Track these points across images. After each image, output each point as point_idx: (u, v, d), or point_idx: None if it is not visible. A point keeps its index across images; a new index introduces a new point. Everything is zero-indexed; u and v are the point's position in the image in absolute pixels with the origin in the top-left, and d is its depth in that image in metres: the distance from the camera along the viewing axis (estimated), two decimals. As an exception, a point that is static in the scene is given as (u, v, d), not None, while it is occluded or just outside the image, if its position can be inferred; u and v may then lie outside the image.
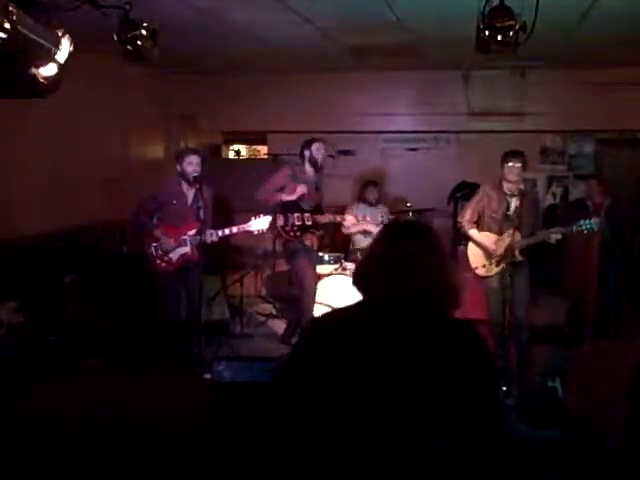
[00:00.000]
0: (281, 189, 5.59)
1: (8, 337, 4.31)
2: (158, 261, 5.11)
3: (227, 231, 5.08)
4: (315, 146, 5.60)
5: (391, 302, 1.72)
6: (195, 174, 5.00)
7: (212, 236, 5.04)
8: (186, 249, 5.09)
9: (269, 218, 5.23)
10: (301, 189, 5.54)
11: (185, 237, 5.07)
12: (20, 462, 1.58)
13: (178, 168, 5.11)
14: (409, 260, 1.74)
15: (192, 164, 5.01)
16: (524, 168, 4.91)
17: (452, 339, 1.69)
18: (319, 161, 5.65)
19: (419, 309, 1.72)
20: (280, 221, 5.64)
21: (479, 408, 1.64)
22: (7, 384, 3.10)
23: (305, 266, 5.66)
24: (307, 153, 5.62)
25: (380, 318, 1.71)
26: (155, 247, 5.12)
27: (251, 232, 5.19)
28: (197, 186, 5.01)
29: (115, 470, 1.56)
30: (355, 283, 1.86)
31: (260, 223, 5.16)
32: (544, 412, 3.53)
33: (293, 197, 5.55)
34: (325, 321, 1.84)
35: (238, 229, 5.14)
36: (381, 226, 5.90)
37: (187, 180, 5.06)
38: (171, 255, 5.10)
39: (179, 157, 5.13)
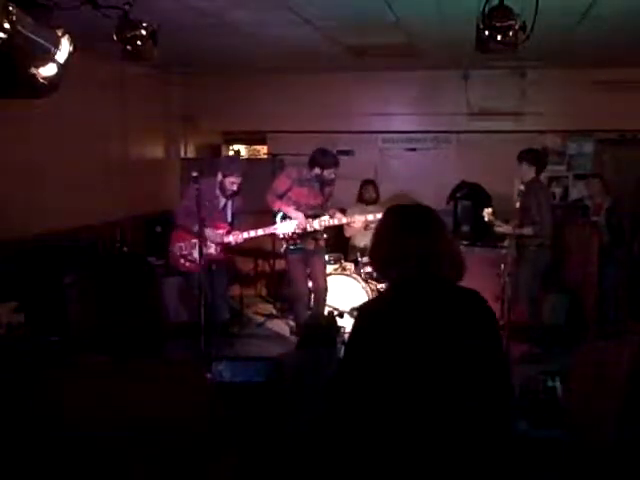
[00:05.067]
0: (287, 192, 5.58)
1: (8, 337, 4.31)
2: (182, 260, 5.20)
3: (252, 233, 5.27)
4: (327, 172, 5.50)
5: (419, 281, 1.92)
6: (233, 191, 5.22)
7: (237, 237, 5.25)
8: (211, 249, 5.21)
9: (295, 222, 5.39)
10: (301, 221, 5.51)
11: (217, 234, 5.23)
12: (21, 461, 1.58)
13: (219, 177, 5.22)
14: (426, 240, 1.94)
15: (234, 184, 5.20)
16: (521, 166, 5.54)
17: (473, 308, 1.92)
18: (327, 182, 5.60)
19: (442, 283, 1.93)
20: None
21: (495, 369, 1.87)
22: (7, 384, 3.10)
23: (298, 273, 5.68)
24: (317, 171, 5.52)
25: (414, 297, 1.91)
26: (180, 246, 5.20)
27: (276, 235, 5.34)
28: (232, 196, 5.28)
29: (115, 469, 1.56)
30: (378, 269, 2.08)
31: (286, 226, 5.30)
32: (544, 412, 3.53)
33: (292, 217, 5.52)
34: (370, 309, 2.02)
35: (264, 231, 5.32)
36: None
37: (223, 191, 5.25)
38: (196, 255, 5.17)
39: (225, 171, 5.22)
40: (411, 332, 1.84)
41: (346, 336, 5.29)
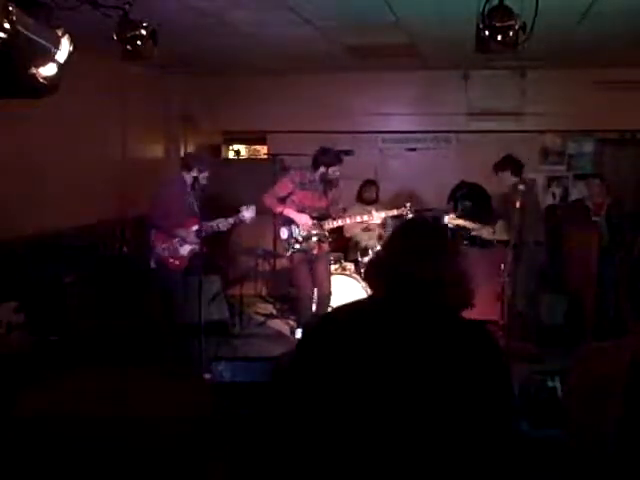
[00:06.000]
0: (289, 195, 5.59)
1: (8, 337, 4.31)
2: (171, 260, 5.25)
3: (222, 222, 5.31)
4: (332, 169, 5.51)
5: (402, 299, 1.70)
6: (205, 185, 5.30)
7: (213, 227, 5.26)
8: (194, 245, 5.24)
9: (254, 207, 5.37)
10: (306, 221, 5.54)
11: (191, 232, 5.24)
12: (20, 461, 1.58)
13: (194, 173, 5.26)
14: (424, 257, 1.73)
15: (206, 178, 5.29)
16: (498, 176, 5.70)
17: (464, 340, 1.66)
18: (332, 181, 5.60)
19: (430, 307, 1.70)
20: (283, 234, 5.66)
21: (489, 411, 1.61)
22: (7, 384, 3.10)
23: (302, 274, 5.69)
24: (322, 170, 5.53)
25: (389, 315, 1.69)
26: (164, 247, 5.22)
27: (244, 221, 5.35)
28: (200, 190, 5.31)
29: (114, 469, 1.56)
30: (367, 278, 1.90)
31: (250, 212, 5.33)
32: (544, 412, 3.53)
33: (296, 220, 5.55)
34: (333, 318, 1.83)
35: (234, 220, 5.34)
36: (382, 222, 6.00)
37: (196, 187, 5.27)
38: (181, 252, 5.21)
39: (200, 167, 5.28)
40: (362, 345, 1.64)
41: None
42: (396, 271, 1.73)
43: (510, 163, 5.66)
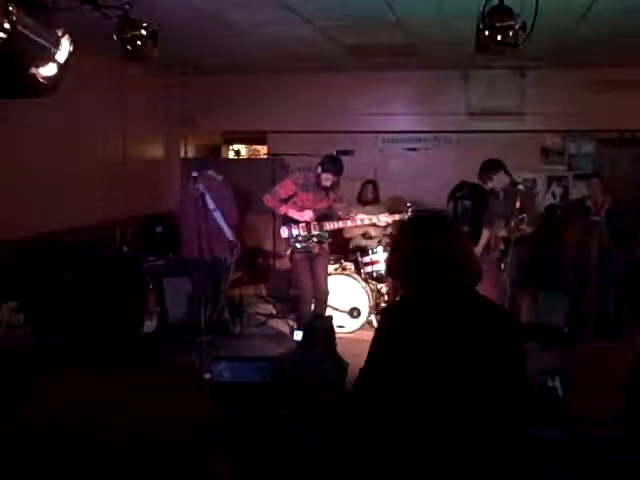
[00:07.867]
0: (291, 197, 5.59)
1: (8, 337, 4.31)
2: None
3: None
4: (324, 175, 5.51)
5: (441, 287, 1.89)
6: None
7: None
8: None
9: None
10: (308, 215, 5.56)
11: None
12: (19, 462, 1.58)
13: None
14: (450, 250, 1.92)
15: None
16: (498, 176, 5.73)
17: (501, 322, 1.92)
18: (323, 185, 5.62)
19: (466, 293, 1.91)
20: (284, 233, 5.67)
21: (516, 384, 1.87)
22: (7, 384, 3.10)
23: (303, 273, 5.69)
24: (318, 170, 5.54)
25: (439, 305, 1.88)
26: None
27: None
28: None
29: (114, 470, 1.56)
30: (397, 275, 2.08)
31: None
32: (544, 412, 3.53)
33: (298, 217, 5.57)
34: (394, 316, 1.97)
35: None
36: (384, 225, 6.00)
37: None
38: None
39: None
40: (435, 342, 1.81)
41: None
42: (427, 268, 1.90)
43: (498, 165, 5.69)
